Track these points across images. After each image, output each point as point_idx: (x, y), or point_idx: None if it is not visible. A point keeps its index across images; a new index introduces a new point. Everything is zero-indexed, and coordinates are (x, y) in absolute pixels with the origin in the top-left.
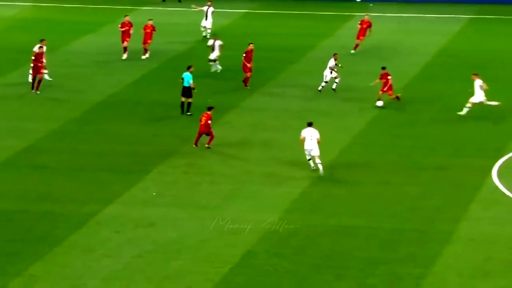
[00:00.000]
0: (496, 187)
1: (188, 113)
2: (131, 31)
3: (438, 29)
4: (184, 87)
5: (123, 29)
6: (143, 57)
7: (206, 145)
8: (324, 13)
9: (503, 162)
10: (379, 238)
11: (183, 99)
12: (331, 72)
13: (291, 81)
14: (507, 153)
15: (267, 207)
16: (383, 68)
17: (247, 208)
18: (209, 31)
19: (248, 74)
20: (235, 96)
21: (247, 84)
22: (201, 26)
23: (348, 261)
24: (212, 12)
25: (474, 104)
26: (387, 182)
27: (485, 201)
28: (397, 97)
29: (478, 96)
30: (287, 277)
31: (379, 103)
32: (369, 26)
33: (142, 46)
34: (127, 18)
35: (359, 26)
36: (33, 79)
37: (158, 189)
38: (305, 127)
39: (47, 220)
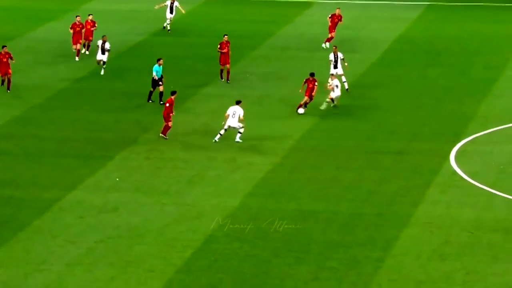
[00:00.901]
0: (454, 171)
1: (161, 102)
2: (82, 31)
3: (397, 15)
4: (153, 79)
5: (75, 30)
6: (85, 51)
7: (161, 134)
8: (283, 0)
9: (460, 146)
10: (338, 222)
11: (152, 89)
12: (335, 67)
13: (251, 68)
14: (465, 138)
15: (228, 192)
16: (312, 74)
17: (208, 193)
18: (168, 22)
19: (222, 67)
20: (196, 83)
21: (223, 76)
22: (167, 18)
23: (308, 245)
24: (176, 6)
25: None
26: (346, 166)
27: (443, 185)
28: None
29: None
30: (248, 260)
31: (301, 111)
32: (340, 20)
33: (83, 41)
34: (78, 19)
35: (329, 20)
36: (2, 81)
37: (120, 175)
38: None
39: (10, 206)
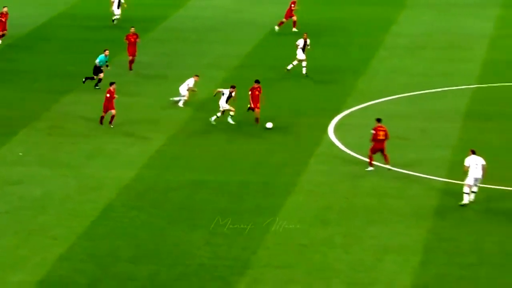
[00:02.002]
0: (333, 143)
1: (96, 87)
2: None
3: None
4: (96, 66)
5: None
6: None
7: (110, 124)
8: None
9: (339, 120)
10: (228, 190)
11: (93, 75)
12: (303, 51)
13: (146, 50)
14: (342, 112)
15: (125, 164)
16: (257, 81)
17: (106, 165)
18: (118, 17)
19: (130, 58)
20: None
21: (131, 67)
22: (114, 13)
23: (201, 213)
24: (121, 1)
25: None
26: (235, 140)
27: (323, 156)
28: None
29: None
30: (145, 228)
31: (269, 125)
32: (295, 2)
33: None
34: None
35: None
36: None
37: (24, 149)
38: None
39: None
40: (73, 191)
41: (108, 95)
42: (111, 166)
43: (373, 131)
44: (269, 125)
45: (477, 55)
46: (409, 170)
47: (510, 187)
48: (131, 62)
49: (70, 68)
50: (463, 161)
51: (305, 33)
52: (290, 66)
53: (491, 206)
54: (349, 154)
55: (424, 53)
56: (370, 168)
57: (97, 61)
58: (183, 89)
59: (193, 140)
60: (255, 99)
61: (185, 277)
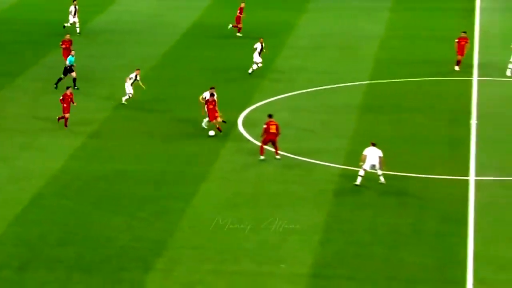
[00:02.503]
0: (242, 135)
1: (76, 88)
2: None
3: (190, 4)
4: (65, 67)
5: None
6: None
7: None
8: None
9: (247, 114)
10: (148, 179)
11: (63, 76)
12: (259, 54)
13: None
14: (250, 106)
15: (54, 156)
16: (212, 92)
17: (36, 157)
18: (69, 25)
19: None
20: (22, 66)
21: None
22: (69, 20)
23: (122, 199)
24: (77, 11)
25: None
26: (154, 133)
27: (233, 147)
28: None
29: None
30: (72, 214)
31: (211, 133)
32: (241, 12)
33: None
34: None
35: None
36: None
37: None
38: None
39: None
40: (5, 181)
41: (62, 98)
42: (41, 157)
43: (264, 126)
44: (211, 133)
45: (369, 54)
46: (310, 158)
47: (401, 172)
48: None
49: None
50: (358, 150)
51: (261, 38)
52: (250, 70)
53: (384, 190)
54: (256, 144)
55: (324, 53)
56: (262, 157)
57: (67, 62)
58: (128, 86)
59: (115, 133)
60: (211, 111)
61: (108, 259)
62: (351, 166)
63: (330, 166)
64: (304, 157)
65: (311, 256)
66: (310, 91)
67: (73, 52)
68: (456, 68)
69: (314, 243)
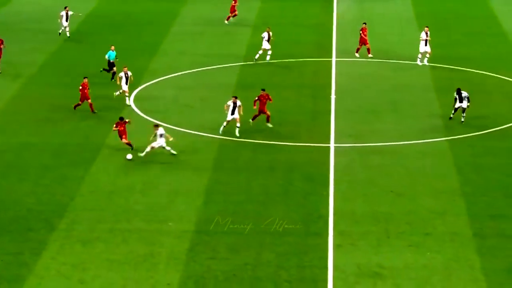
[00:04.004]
0: (133, 110)
1: (112, 79)
2: None
3: None
4: (109, 62)
5: None
6: None
7: None
8: None
9: (137, 92)
10: (50, 150)
11: (109, 69)
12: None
13: None
14: (140, 86)
15: None
16: (122, 119)
17: None
18: (65, 29)
19: None
20: None
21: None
22: (62, 25)
23: (27, 168)
24: (71, 14)
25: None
26: (54, 109)
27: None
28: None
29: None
30: None
31: (129, 156)
32: (235, 1)
33: None
34: None
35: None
36: None
37: None
38: None
39: None
40: None
41: (80, 87)
42: None
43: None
44: (129, 156)
45: (243, 40)
46: (193, 130)
47: (270, 141)
48: None
49: None
50: (233, 123)
51: (268, 27)
52: (257, 56)
53: (257, 157)
54: (146, 119)
55: (204, 38)
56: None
57: (106, 56)
58: (123, 85)
59: (21, 109)
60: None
61: (16, 220)
62: (228, 137)
63: (209, 136)
64: (188, 129)
65: (195, 214)
66: (192, 72)
67: (113, 47)
68: (356, 55)
69: (198, 203)
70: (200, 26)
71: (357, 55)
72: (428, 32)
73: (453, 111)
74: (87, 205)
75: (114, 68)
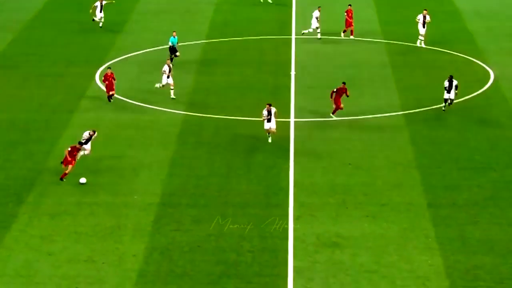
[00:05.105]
0: (99, 87)
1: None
2: None
3: None
4: (170, 47)
5: None
6: None
7: None
8: None
9: (102, 69)
10: (17, 126)
11: (172, 55)
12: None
13: None
14: (105, 63)
15: None
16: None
17: None
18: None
19: None
20: None
21: None
22: (97, 18)
23: None
24: (105, 4)
25: None
26: (21, 87)
27: (91, 97)
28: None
29: None
30: None
31: (82, 180)
32: None
33: None
34: None
35: None
36: None
37: None
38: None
39: None
40: None
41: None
42: None
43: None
44: (82, 180)
45: (206, 17)
46: (157, 106)
47: (232, 116)
48: None
49: None
50: (197, 99)
51: (319, 7)
52: (306, 31)
53: (219, 132)
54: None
55: (168, 16)
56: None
57: (170, 43)
58: (165, 78)
59: None
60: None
61: None
62: (192, 112)
63: (173, 112)
64: (152, 105)
65: (160, 188)
66: (156, 49)
67: (174, 33)
68: (342, 35)
69: (162, 176)
70: (164, 5)
71: (342, 35)
72: (427, 16)
73: (444, 103)
74: (54, 180)
75: (177, 53)
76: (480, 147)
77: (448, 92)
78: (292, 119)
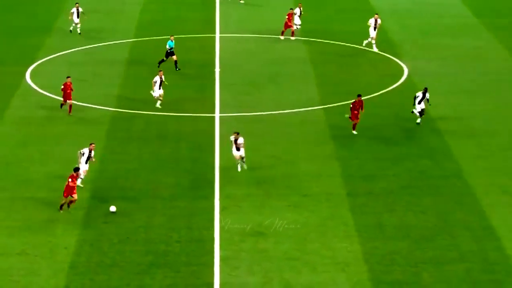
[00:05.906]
0: (30, 86)
1: (177, 69)
2: None
3: None
4: (167, 51)
5: None
6: None
7: None
8: None
9: (33, 68)
10: None
11: (165, 58)
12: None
13: None
14: (35, 62)
15: None
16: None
17: None
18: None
19: None
20: None
21: None
22: (74, 21)
23: None
24: (81, 12)
25: None
26: None
27: (23, 95)
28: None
29: None
30: None
31: (112, 209)
32: None
33: None
34: None
35: None
36: None
37: None
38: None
39: None
40: None
41: (62, 87)
42: None
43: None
44: (112, 208)
45: (133, 17)
46: (87, 103)
47: (160, 112)
48: None
49: None
50: (127, 95)
51: (300, 3)
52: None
53: (148, 127)
54: (43, 94)
55: (95, 16)
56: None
57: (167, 46)
58: (156, 90)
59: None
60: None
61: None
62: (121, 109)
63: (102, 109)
64: (82, 103)
65: (89, 183)
66: (85, 48)
67: (172, 37)
68: (281, 37)
69: (91, 172)
70: (92, 4)
71: (281, 37)
72: (379, 20)
73: (418, 115)
74: None
75: (174, 57)
76: (395, 138)
77: (419, 103)
78: (217, 114)
